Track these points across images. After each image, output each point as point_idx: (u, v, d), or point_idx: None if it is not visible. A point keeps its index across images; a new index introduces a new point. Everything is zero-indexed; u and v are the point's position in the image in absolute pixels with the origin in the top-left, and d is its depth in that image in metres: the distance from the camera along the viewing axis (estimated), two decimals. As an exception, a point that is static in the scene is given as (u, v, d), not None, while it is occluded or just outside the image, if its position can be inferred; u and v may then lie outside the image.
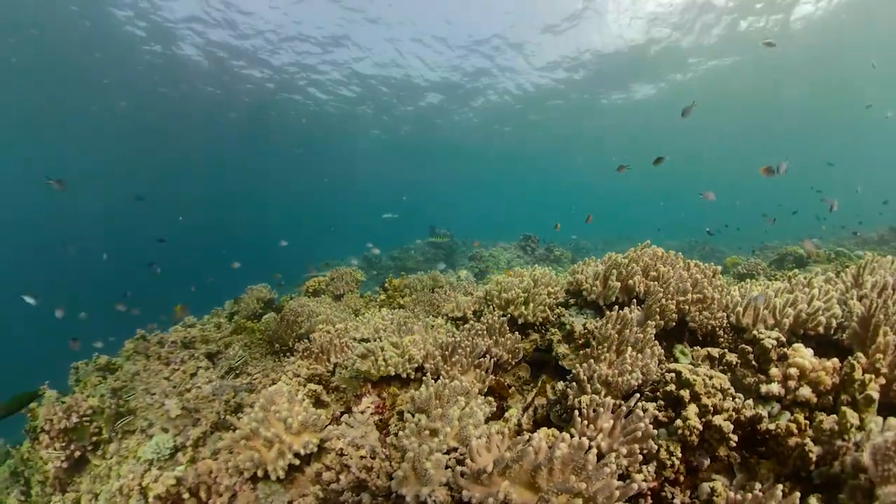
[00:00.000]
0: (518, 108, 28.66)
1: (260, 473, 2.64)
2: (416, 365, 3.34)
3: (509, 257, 14.49)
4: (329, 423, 3.07)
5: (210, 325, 4.62)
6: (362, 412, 3.19)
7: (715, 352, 2.89)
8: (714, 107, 26.26)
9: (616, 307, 3.30)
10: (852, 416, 1.94)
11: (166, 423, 3.36)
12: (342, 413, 3.26)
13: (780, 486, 1.68)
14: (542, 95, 26.93)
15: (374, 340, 3.80)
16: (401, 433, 2.73)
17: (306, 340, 3.94)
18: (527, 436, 2.39)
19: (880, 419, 1.81)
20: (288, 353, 4.07)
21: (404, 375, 3.32)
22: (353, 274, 5.22)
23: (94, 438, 3.35)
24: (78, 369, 4.14)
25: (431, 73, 23.58)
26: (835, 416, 2.02)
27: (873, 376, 2.17)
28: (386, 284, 4.91)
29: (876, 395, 2.08)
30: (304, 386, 3.46)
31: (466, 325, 3.70)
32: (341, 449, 2.86)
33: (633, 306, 3.35)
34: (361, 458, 2.77)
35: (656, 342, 3.01)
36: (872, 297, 2.55)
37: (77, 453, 3.33)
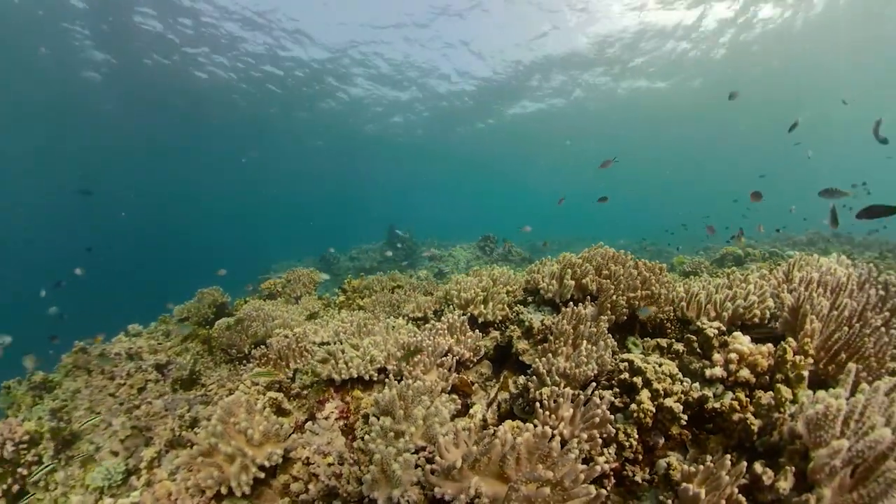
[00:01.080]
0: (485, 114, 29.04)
1: (224, 491, 2.54)
2: (379, 366, 3.34)
3: (468, 257, 14.64)
4: (293, 432, 3.01)
5: (158, 334, 4.38)
6: (326, 418, 3.15)
7: (664, 342, 3.07)
8: (662, 121, 27.85)
9: (571, 304, 3.43)
10: (786, 392, 2.14)
11: (116, 445, 3.16)
12: (306, 420, 3.20)
13: (729, 457, 1.83)
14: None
15: (335, 343, 3.76)
16: (367, 437, 2.73)
17: (263, 346, 3.83)
18: (492, 429, 2.46)
19: (811, 392, 2.01)
20: (244, 361, 3.94)
21: (367, 378, 3.31)
22: (310, 275, 5.11)
23: (35, 468, 3.08)
24: (10, 388, 3.81)
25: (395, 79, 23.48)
26: (771, 392, 2.22)
27: (803, 357, 2.40)
28: (345, 286, 4.85)
29: (806, 374, 2.30)
30: (264, 394, 3.36)
31: (427, 325, 3.74)
32: (308, 457, 2.81)
33: (587, 302, 3.50)
34: (329, 465, 2.74)
35: (609, 335, 3.16)
36: (800, 291, 2.81)
37: (15, 487, 3.04)
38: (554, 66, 21.78)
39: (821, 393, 1.93)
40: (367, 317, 4.18)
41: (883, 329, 2.39)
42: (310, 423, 3.09)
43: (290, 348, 3.72)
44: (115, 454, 3.11)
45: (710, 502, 1.74)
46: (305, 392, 3.41)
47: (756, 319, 3.05)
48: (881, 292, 2.76)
